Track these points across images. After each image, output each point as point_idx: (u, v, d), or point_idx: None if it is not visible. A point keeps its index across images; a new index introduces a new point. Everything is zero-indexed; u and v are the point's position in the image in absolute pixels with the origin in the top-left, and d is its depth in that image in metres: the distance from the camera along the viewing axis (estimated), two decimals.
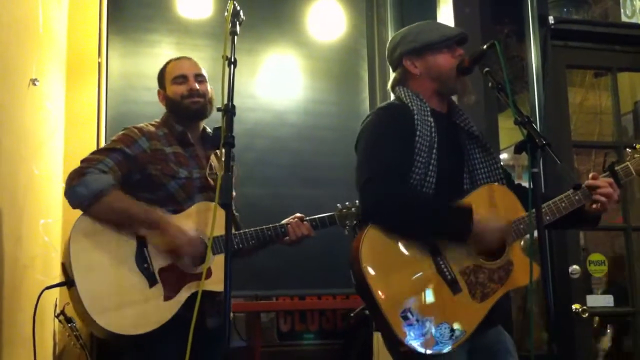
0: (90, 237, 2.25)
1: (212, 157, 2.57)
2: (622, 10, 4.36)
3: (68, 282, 2.24)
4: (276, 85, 4.12)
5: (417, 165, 2.16)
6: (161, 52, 3.83)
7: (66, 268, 2.25)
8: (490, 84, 2.15)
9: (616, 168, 2.32)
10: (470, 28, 3.45)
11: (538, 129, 2.04)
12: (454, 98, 2.44)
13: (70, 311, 3.04)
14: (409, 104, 2.25)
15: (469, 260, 2.14)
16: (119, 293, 2.22)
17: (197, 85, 2.52)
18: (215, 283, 2.28)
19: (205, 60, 3.69)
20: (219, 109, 2.04)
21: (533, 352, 2.14)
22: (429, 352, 2.04)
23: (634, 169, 2.33)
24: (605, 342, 5.22)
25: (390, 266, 2.10)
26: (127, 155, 2.36)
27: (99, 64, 3.82)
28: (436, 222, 2.13)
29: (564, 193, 2.28)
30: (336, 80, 4.26)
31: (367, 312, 2.18)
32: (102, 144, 3.52)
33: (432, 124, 2.22)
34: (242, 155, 3.49)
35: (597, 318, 4.61)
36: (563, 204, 2.24)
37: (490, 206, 2.21)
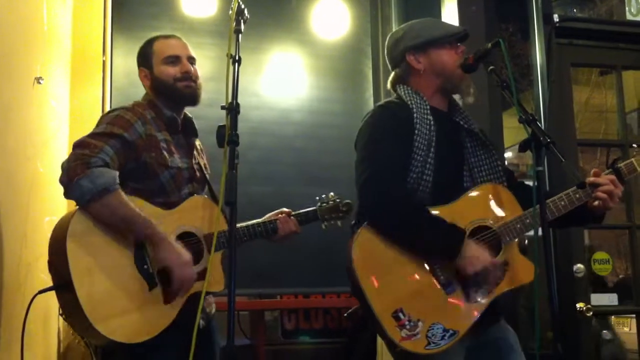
0: (87, 236, 2.09)
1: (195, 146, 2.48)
2: (627, 9, 4.35)
3: (61, 285, 2.09)
4: (281, 83, 4.12)
5: (414, 164, 2.16)
6: None
7: (58, 269, 2.09)
8: (495, 82, 2.15)
9: (619, 165, 2.30)
10: (475, 26, 3.45)
11: (542, 127, 2.03)
12: (455, 96, 2.44)
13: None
14: (409, 102, 2.26)
15: None
16: (119, 298, 2.08)
17: (191, 68, 2.40)
18: (213, 283, 2.22)
19: (209, 58, 3.72)
20: (223, 107, 2.04)
21: (539, 351, 2.13)
22: (421, 352, 2.04)
23: (638, 165, 2.31)
24: None
25: (383, 267, 2.10)
26: (126, 142, 2.19)
27: (104, 62, 3.82)
28: (427, 234, 2.11)
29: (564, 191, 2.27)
30: (341, 79, 4.25)
31: (359, 311, 2.17)
32: None
33: (431, 122, 2.22)
34: (246, 153, 3.47)
35: None
36: (562, 203, 2.22)
37: (486, 206, 2.20)
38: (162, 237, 2.14)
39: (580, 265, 3.52)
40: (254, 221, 2.46)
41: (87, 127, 3.71)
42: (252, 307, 4.38)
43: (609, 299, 3.74)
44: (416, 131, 2.18)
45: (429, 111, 2.25)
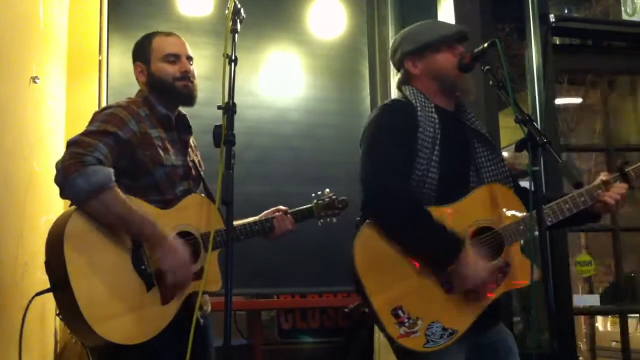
0: (84, 236, 2.06)
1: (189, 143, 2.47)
2: (622, 8, 4.36)
3: (57, 285, 2.07)
4: (277, 83, 4.12)
5: (419, 161, 2.17)
6: None
7: (55, 269, 2.07)
8: (490, 82, 2.16)
9: (627, 169, 2.29)
10: (471, 26, 3.45)
11: (538, 127, 2.03)
12: None
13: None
14: (413, 101, 2.27)
15: None
16: (117, 299, 2.06)
17: (191, 68, 2.38)
18: (210, 283, 2.20)
19: (206, 57, 3.71)
20: (219, 107, 2.03)
21: (535, 351, 2.14)
22: (419, 350, 2.06)
23: None
24: None
25: (384, 264, 2.11)
26: (119, 140, 2.16)
27: (100, 61, 3.82)
28: (424, 238, 2.11)
29: (567, 193, 2.28)
30: (337, 78, 4.25)
31: (362, 309, 2.18)
32: None
33: (436, 120, 2.23)
34: (243, 153, 3.48)
35: None
36: (567, 206, 2.22)
37: (490, 206, 2.20)
38: (160, 236, 2.12)
39: None
40: (251, 219, 2.45)
41: (84, 126, 3.69)
42: (249, 307, 4.38)
43: (592, 300, 3.79)
44: (420, 128, 2.19)
45: (433, 110, 2.26)
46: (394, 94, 2.44)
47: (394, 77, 4.10)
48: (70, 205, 2.15)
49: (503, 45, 2.14)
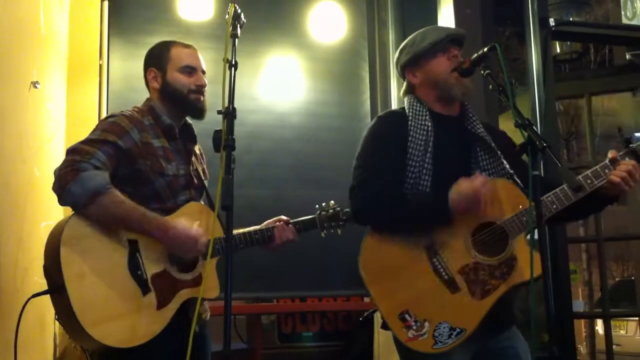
0: (81, 241, 2.09)
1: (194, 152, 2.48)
2: (622, 12, 4.37)
3: (54, 288, 2.09)
4: (277, 87, 4.12)
5: (410, 170, 2.21)
6: None
7: (52, 273, 2.10)
8: (490, 86, 2.16)
9: (634, 145, 2.21)
10: (471, 29, 3.46)
11: (538, 131, 2.03)
12: None
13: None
14: (407, 111, 2.33)
15: (467, 258, 2.16)
16: (112, 302, 2.08)
17: (206, 82, 2.41)
18: (208, 290, 2.23)
19: (206, 62, 3.69)
20: (219, 112, 2.04)
21: (535, 354, 2.13)
22: (428, 351, 2.09)
23: None
24: None
25: (388, 270, 2.17)
26: (118, 149, 2.19)
27: (100, 66, 3.81)
28: (414, 207, 2.17)
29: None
30: (337, 82, 4.26)
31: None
32: None
33: (429, 128, 2.26)
34: (243, 157, 3.48)
35: None
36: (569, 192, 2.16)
37: (492, 201, 2.19)
38: (162, 227, 2.16)
39: None
40: (251, 228, 2.45)
41: (84, 130, 3.70)
42: (249, 311, 4.38)
43: (577, 305, 3.83)
44: (410, 137, 2.24)
45: (427, 117, 2.28)
46: (395, 97, 2.48)
47: (395, 81, 4.13)
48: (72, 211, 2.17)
49: (503, 49, 2.14)
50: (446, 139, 2.27)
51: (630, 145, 2.22)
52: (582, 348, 9.52)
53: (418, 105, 2.33)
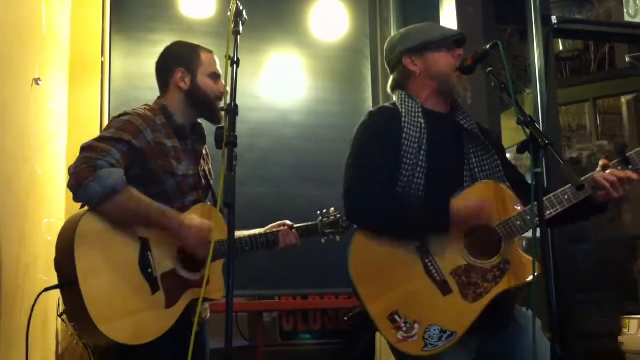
0: (95, 237, 2.11)
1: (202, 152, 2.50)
2: (625, 10, 4.36)
3: (66, 283, 2.12)
4: (279, 84, 4.12)
5: (404, 167, 2.18)
6: None
7: (64, 268, 2.12)
8: (492, 84, 2.15)
9: (629, 154, 2.20)
10: (473, 27, 3.46)
11: (541, 129, 2.02)
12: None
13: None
14: (399, 107, 2.28)
15: (460, 260, 2.13)
16: (123, 299, 2.11)
17: None
18: (214, 291, 2.26)
19: None
20: (221, 109, 2.04)
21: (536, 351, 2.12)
22: (418, 354, 2.06)
23: None
24: None
25: (378, 270, 2.13)
26: (132, 148, 2.20)
27: (102, 63, 3.82)
28: (414, 217, 2.14)
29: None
30: (339, 80, 4.26)
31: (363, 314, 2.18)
32: None
33: (423, 126, 2.23)
34: (245, 155, 3.48)
35: None
36: (566, 197, 2.16)
37: (488, 203, 2.18)
38: (176, 224, 2.19)
39: None
40: (256, 231, 2.47)
41: (86, 128, 3.74)
42: (251, 309, 4.38)
43: None
44: (404, 134, 2.20)
45: (420, 114, 2.25)
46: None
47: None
48: (81, 208, 2.19)
49: (505, 47, 2.13)
50: (439, 137, 2.24)
51: (627, 154, 2.21)
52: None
53: (410, 101, 2.29)
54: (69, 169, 2.14)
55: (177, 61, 2.44)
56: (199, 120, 2.48)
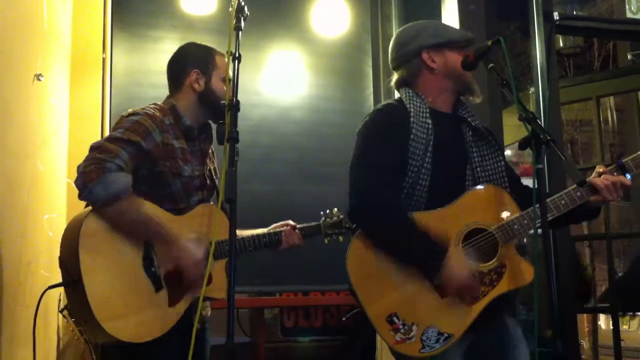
0: (99, 235, 2.13)
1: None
2: (627, 7, 4.35)
3: (70, 281, 2.12)
4: (280, 81, 4.11)
5: (410, 169, 2.16)
6: (165, 48, 3.81)
7: (68, 266, 2.13)
8: (495, 80, 2.14)
9: (625, 160, 2.23)
10: (475, 24, 3.45)
11: (542, 125, 2.01)
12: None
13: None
14: (408, 105, 2.25)
15: None
16: (127, 298, 2.12)
17: None
18: (217, 290, 2.27)
19: None
20: (223, 104, 2.04)
21: (538, 349, 2.12)
22: (415, 355, 2.08)
23: None
24: None
25: (376, 272, 2.12)
26: (141, 150, 2.20)
27: (104, 59, 3.82)
28: (407, 249, 2.11)
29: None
30: (341, 77, 4.25)
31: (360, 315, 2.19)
32: None
33: (430, 126, 2.21)
34: (246, 152, 3.45)
35: None
36: (563, 202, 2.17)
37: (482, 208, 2.18)
38: (172, 240, 2.19)
39: None
40: (259, 231, 2.48)
41: (87, 124, 3.74)
42: (252, 305, 4.38)
43: None
44: (412, 136, 2.18)
45: (428, 115, 2.23)
46: (397, 93, 2.41)
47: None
48: (85, 206, 2.20)
49: (507, 43, 2.12)
50: (444, 138, 2.23)
51: (620, 161, 2.23)
52: (585, 343, 9.54)
53: (417, 100, 2.26)
54: (78, 167, 2.14)
55: (192, 62, 2.44)
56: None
